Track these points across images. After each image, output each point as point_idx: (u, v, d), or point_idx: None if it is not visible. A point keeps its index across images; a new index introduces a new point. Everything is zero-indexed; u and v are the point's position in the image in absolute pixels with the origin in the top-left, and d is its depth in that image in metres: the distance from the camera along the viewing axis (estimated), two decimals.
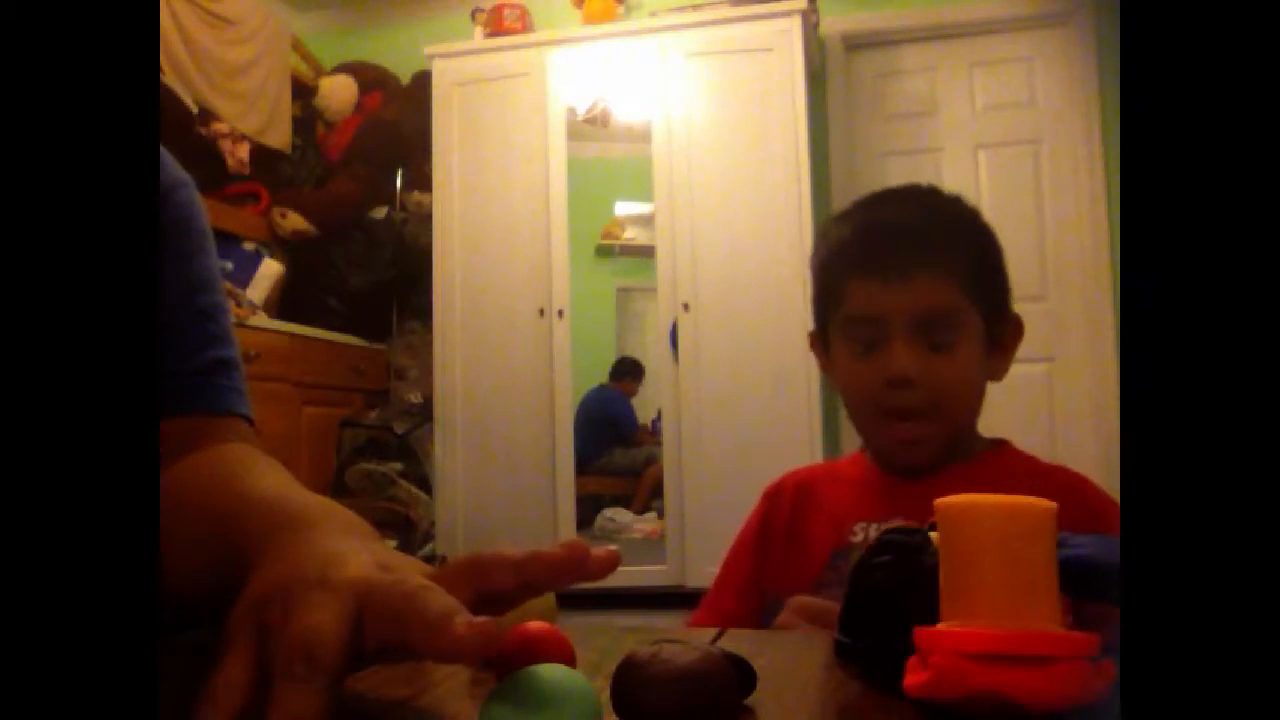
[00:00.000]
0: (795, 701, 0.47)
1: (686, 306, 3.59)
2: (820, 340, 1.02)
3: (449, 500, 3.73)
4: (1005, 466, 0.97)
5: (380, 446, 3.87)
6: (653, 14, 4.04)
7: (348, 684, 0.40)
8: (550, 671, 0.36)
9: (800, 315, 3.41)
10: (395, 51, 4.43)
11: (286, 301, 4.10)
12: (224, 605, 0.40)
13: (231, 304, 3.15)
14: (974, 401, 0.96)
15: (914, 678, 0.43)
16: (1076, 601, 0.47)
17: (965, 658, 0.40)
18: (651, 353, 4.14)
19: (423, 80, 4.06)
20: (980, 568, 0.42)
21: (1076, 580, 0.46)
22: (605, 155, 4.33)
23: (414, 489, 3.80)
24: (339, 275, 4.18)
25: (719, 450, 3.50)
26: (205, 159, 3.76)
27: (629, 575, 3.42)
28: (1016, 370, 1.00)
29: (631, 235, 4.55)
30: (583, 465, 3.86)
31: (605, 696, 0.40)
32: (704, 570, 3.37)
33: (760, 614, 0.93)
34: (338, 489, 3.75)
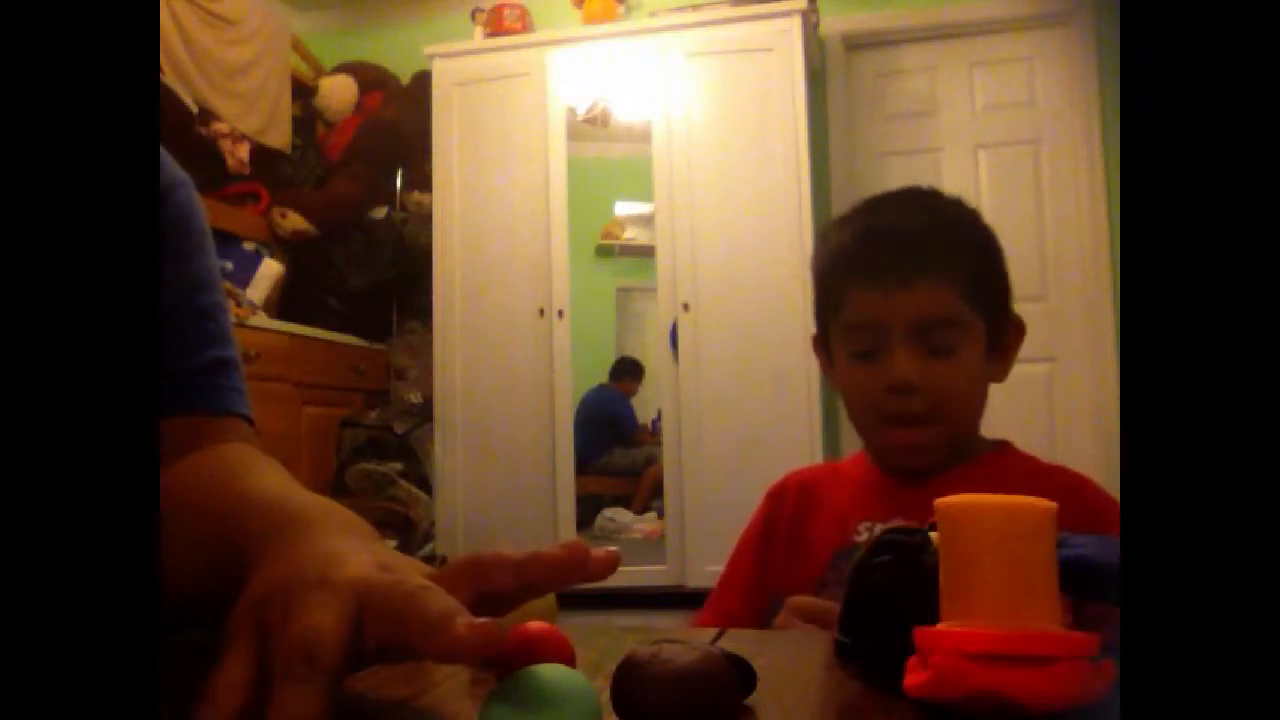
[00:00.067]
0: (795, 701, 0.47)
1: (686, 306, 3.59)
2: (822, 344, 1.02)
3: (449, 500, 3.73)
4: (1007, 467, 0.96)
5: (380, 446, 3.87)
6: (653, 14, 4.04)
7: (348, 684, 0.40)
8: (550, 671, 0.36)
9: (800, 315, 3.41)
10: (395, 51, 4.43)
11: (286, 301, 4.10)
12: (224, 605, 0.40)
13: (231, 304, 3.15)
14: (976, 405, 0.96)
15: (914, 678, 0.43)
16: (1076, 601, 0.47)
17: (965, 658, 0.40)
18: (651, 353, 4.14)
19: (423, 80, 4.06)
20: (980, 568, 0.42)
21: (1076, 580, 0.46)
22: (605, 155, 4.33)
23: (414, 489, 3.80)
24: (339, 275, 4.18)
25: (719, 450, 3.50)
26: (205, 159, 3.76)
27: (629, 575, 3.42)
28: (1016, 370, 1.00)
29: (631, 235, 4.55)
30: (583, 465, 3.86)
31: (605, 696, 0.40)
32: (704, 570, 3.38)
33: (764, 614, 0.93)
34: (338, 489, 3.75)
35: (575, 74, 3.87)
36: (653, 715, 0.39)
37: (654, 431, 4.08)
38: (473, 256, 3.81)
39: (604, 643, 0.57)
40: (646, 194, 3.78)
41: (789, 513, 1.00)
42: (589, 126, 4.17)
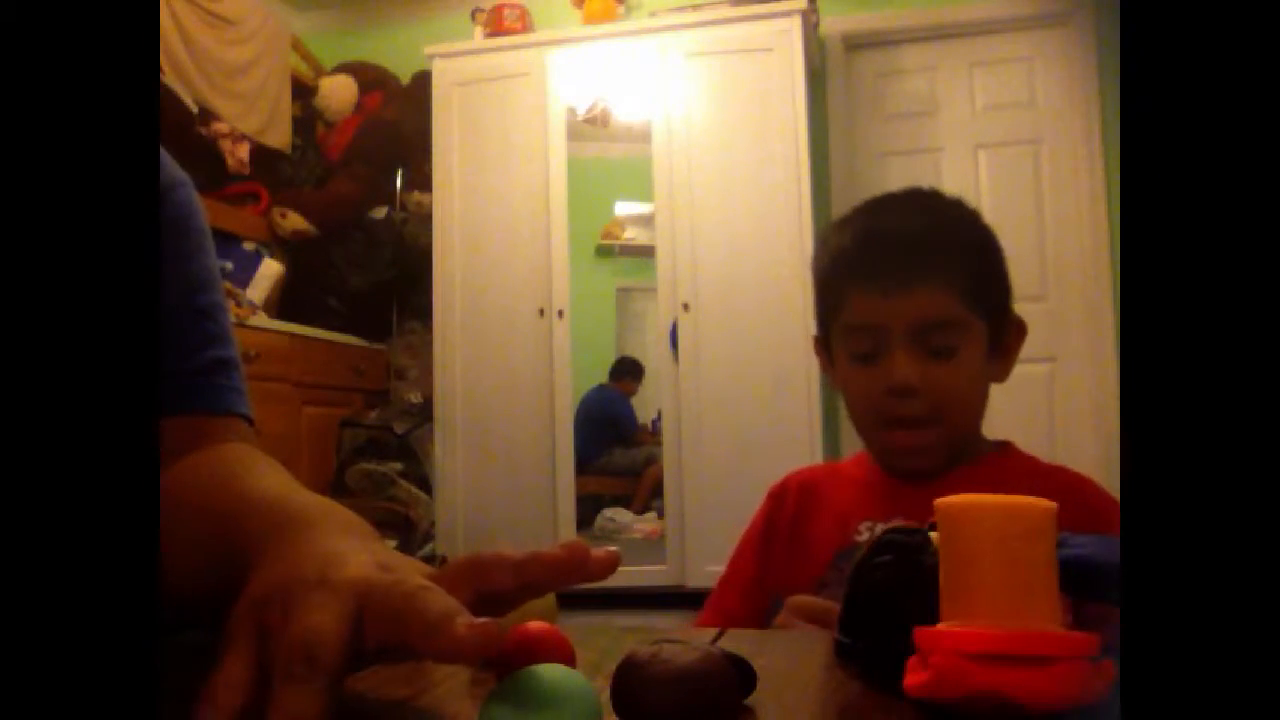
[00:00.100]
0: (795, 701, 0.47)
1: (686, 306, 3.59)
2: (823, 345, 1.02)
3: (449, 500, 3.73)
4: (1009, 468, 0.96)
5: (380, 446, 3.87)
6: (653, 14, 4.04)
7: (348, 684, 0.40)
8: (550, 671, 0.36)
9: (800, 315, 3.41)
10: (395, 51, 4.43)
11: (286, 301, 4.10)
12: (224, 605, 0.40)
13: (231, 304, 3.15)
14: (977, 406, 0.96)
15: (914, 678, 0.43)
16: (1076, 601, 0.47)
17: (965, 658, 0.40)
18: (651, 353, 4.14)
19: (423, 80, 4.06)
20: (980, 568, 0.42)
21: (1076, 580, 0.46)
22: (605, 155, 4.33)
23: (414, 489, 3.80)
24: (339, 275, 4.18)
25: (719, 450, 3.50)
26: (205, 159, 3.76)
27: (629, 575, 3.42)
28: (1017, 370, 1.00)
29: (631, 235, 4.55)
30: (583, 465, 3.86)
31: (605, 696, 0.40)
32: (704, 570, 3.38)
33: (765, 614, 0.93)
34: (338, 489, 3.75)
35: (575, 74, 3.87)
36: (653, 715, 0.39)
37: (654, 431, 4.08)
38: (473, 256, 3.81)
39: (604, 643, 0.57)
40: (646, 194, 3.78)
41: (790, 512, 1.00)
42: (589, 126, 4.17)
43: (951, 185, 1.01)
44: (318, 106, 4.33)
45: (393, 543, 3.51)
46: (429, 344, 3.87)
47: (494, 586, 0.42)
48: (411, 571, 0.41)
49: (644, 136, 3.78)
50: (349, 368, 4.05)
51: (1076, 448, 3.75)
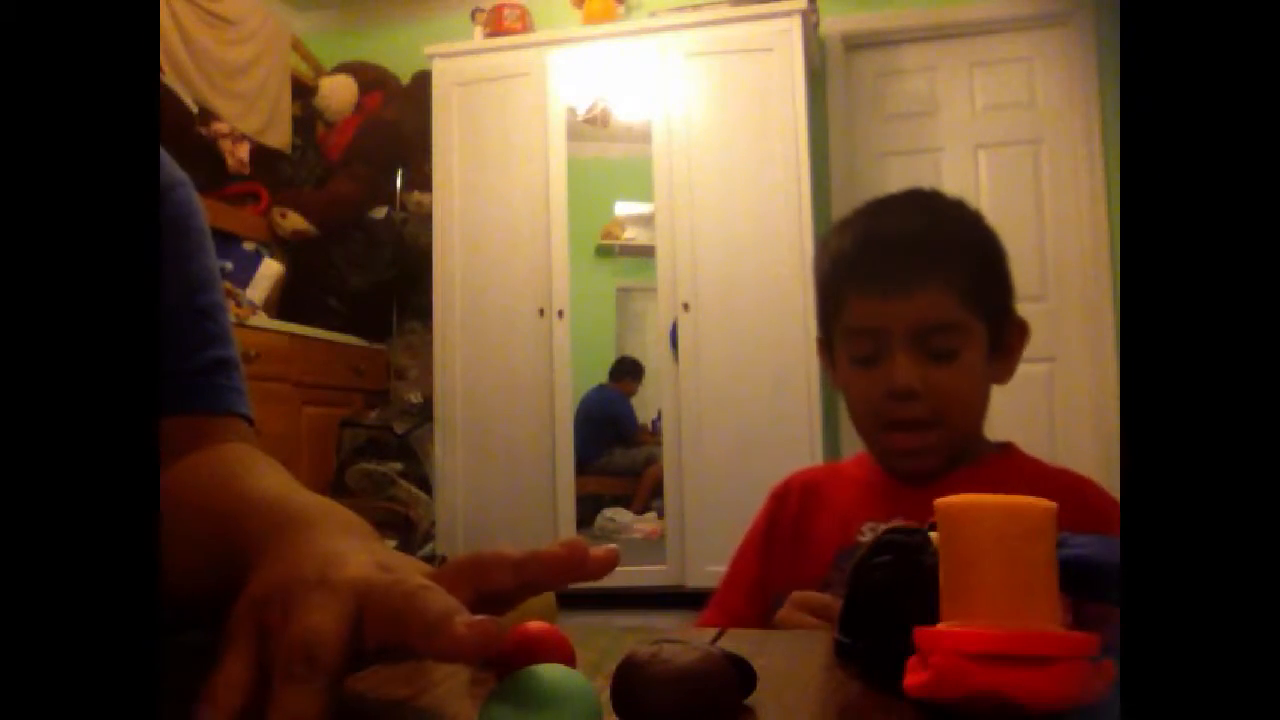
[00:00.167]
0: (795, 701, 0.47)
1: (686, 306, 3.59)
2: (825, 348, 1.02)
3: (449, 500, 3.73)
4: (1010, 469, 0.96)
5: (380, 446, 3.87)
6: (653, 14, 4.04)
7: (348, 684, 0.40)
8: (550, 671, 0.36)
9: (800, 315, 3.42)
10: (395, 51, 4.43)
11: (286, 301, 4.10)
12: (224, 605, 0.40)
13: (231, 304, 3.15)
14: (978, 408, 0.96)
15: (914, 678, 0.43)
16: (1076, 601, 0.47)
17: (965, 658, 0.40)
18: (651, 353, 4.15)
19: (423, 80, 4.06)
20: (980, 568, 0.42)
21: (1076, 580, 0.46)
22: (605, 155, 4.33)
23: (414, 489, 3.80)
24: (339, 275, 4.18)
25: (719, 450, 3.50)
26: (205, 159, 3.76)
27: (629, 575, 3.42)
28: (1016, 370, 1.00)
29: (631, 235, 4.55)
30: (583, 465, 3.86)
31: (605, 696, 0.40)
32: (704, 570, 3.38)
33: (768, 613, 0.93)
34: (338, 489, 3.75)
35: (575, 74, 3.87)
36: (653, 715, 0.39)
37: (654, 431, 4.08)
38: (473, 256, 3.81)
39: (604, 643, 0.57)
40: (646, 194, 3.78)
41: (793, 513, 1.00)
42: (589, 126, 4.17)
43: (951, 185, 1.01)
44: (318, 106, 4.33)
45: (393, 543, 3.51)
46: (429, 344, 3.87)
47: (494, 585, 0.42)
48: (411, 571, 0.41)
49: (644, 136, 3.78)
50: (349, 368, 4.05)
51: (1076, 448, 3.75)
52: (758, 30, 3.65)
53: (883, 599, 0.49)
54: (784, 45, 3.62)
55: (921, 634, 0.43)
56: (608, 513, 4.31)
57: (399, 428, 3.89)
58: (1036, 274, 3.87)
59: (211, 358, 0.70)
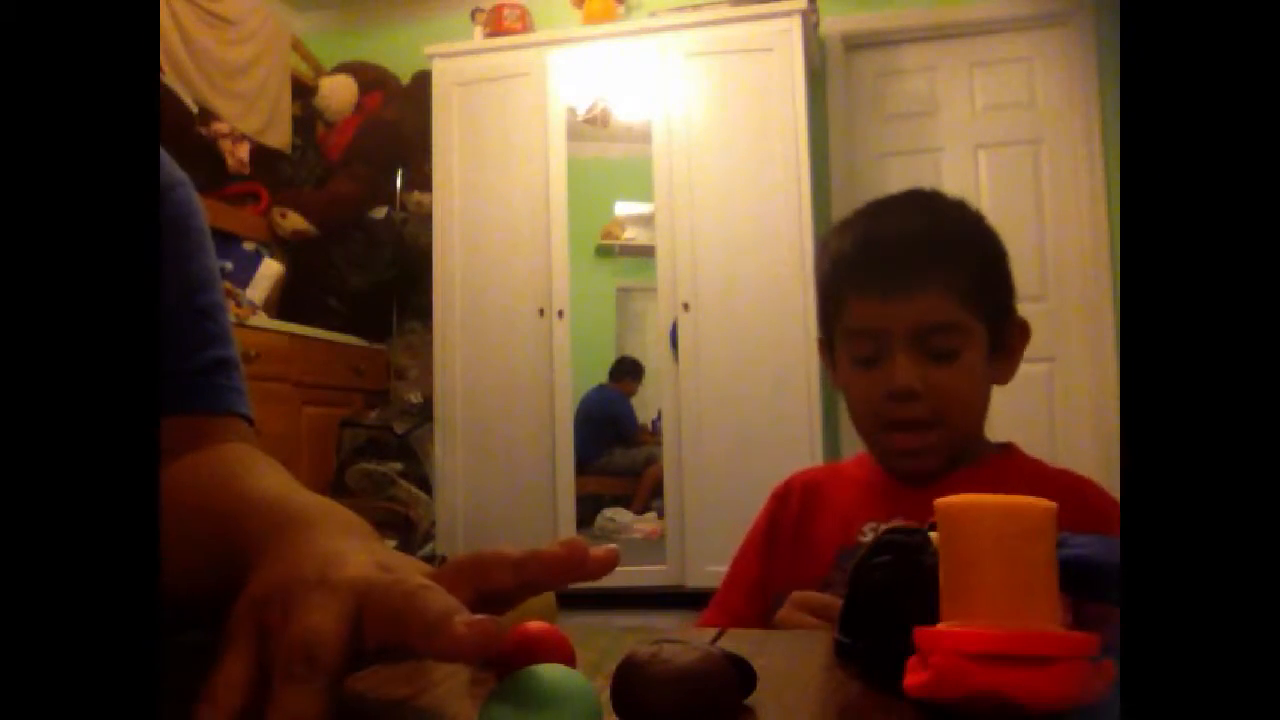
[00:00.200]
0: (795, 701, 0.47)
1: (686, 306, 3.59)
2: (826, 348, 1.03)
3: (449, 500, 3.73)
4: (1011, 469, 0.96)
5: (380, 446, 3.87)
6: (653, 14, 4.04)
7: (348, 684, 0.40)
8: (550, 671, 0.36)
9: (800, 315, 3.42)
10: (395, 51, 4.43)
11: (286, 301, 4.10)
12: (224, 605, 0.40)
13: (231, 304, 3.15)
14: (978, 408, 0.96)
15: (914, 678, 0.43)
16: (1076, 601, 0.47)
17: (965, 658, 0.40)
18: (651, 353, 4.15)
19: (423, 80, 4.06)
20: (980, 568, 0.42)
21: (1076, 580, 0.46)
22: (605, 155, 4.33)
23: (414, 489, 3.80)
24: (339, 275, 4.18)
25: (719, 450, 3.50)
26: (205, 159, 3.76)
27: (629, 575, 3.42)
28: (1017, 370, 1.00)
29: (631, 235, 4.55)
30: (583, 465, 3.86)
31: (605, 696, 0.40)
32: (704, 570, 3.38)
33: (769, 613, 0.93)
34: (338, 489, 3.75)
35: (575, 74, 3.87)
36: (653, 715, 0.39)
37: (654, 431, 4.08)
38: (473, 256, 3.81)
39: (604, 643, 0.57)
40: (646, 194, 3.78)
41: (794, 513, 1.00)
42: (589, 126, 4.17)
43: (951, 185, 1.01)
44: (318, 106, 4.33)
45: (393, 543, 3.51)
46: (429, 344, 3.87)
47: (494, 585, 0.42)
48: (411, 571, 0.41)
49: (644, 136, 3.78)
50: (349, 368, 4.05)
51: (1076, 448, 3.75)
52: (758, 30, 3.65)
53: (883, 599, 0.49)
54: (784, 45, 3.62)
55: (921, 634, 0.43)
56: (608, 513, 4.31)
57: (399, 428, 3.89)
58: (1036, 274, 3.87)
59: (211, 358, 0.70)
